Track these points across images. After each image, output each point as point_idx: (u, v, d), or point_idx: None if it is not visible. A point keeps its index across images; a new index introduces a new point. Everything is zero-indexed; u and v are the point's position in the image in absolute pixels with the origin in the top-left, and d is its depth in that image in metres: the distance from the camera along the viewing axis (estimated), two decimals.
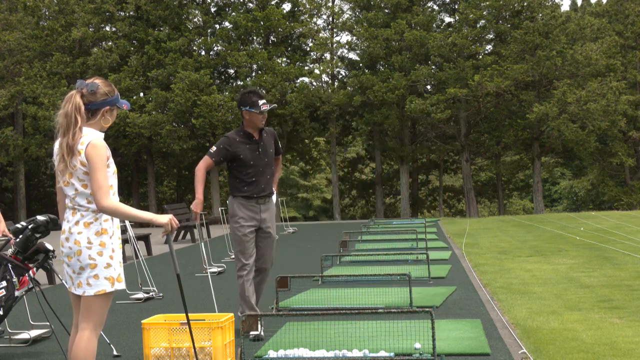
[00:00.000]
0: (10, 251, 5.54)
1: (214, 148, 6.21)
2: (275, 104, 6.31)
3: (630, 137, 34.35)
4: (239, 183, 6.21)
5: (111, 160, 3.77)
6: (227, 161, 6.22)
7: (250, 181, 6.19)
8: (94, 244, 3.73)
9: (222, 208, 14.05)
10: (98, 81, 3.82)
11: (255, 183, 6.20)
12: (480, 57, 32.97)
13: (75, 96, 3.75)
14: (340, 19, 35.70)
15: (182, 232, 18.38)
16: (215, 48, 34.02)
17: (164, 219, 3.83)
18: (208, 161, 6.18)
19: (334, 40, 35.67)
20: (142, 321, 5.10)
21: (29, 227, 5.33)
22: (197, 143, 31.87)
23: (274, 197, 6.42)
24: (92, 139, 3.70)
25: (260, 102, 6.13)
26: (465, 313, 6.94)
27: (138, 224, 23.94)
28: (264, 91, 6.44)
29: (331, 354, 5.23)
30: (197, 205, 6.03)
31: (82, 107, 3.74)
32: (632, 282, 8.69)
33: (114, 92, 3.86)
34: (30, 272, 5.59)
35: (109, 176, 3.71)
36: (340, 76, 36.47)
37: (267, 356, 5.30)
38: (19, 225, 5.44)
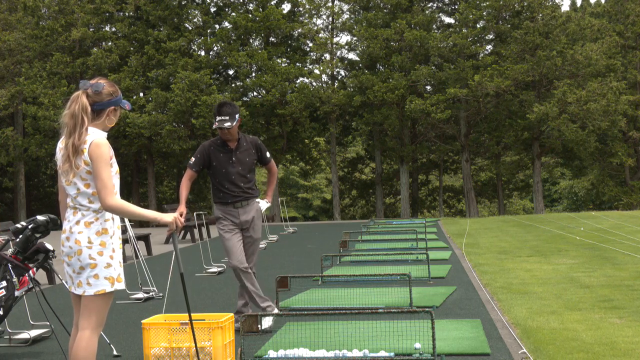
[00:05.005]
0: (10, 251, 5.54)
1: (192, 159, 6.43)
2: (230, 123, 6.19)
3: (630, 137, 34.34)
4: (215, 189, 6.45)
5: (114, 160, 3.79)
6: (205, 168, 6.44)
7: (223, 188, 6.38)
8: (95, 244, 3.73)
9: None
10: (102, 81, 3.84)
11: (228, 190, 6.37)
12: (481, 57, 32.97)
13: (82, 96, 3.77)
14: (340, 19, 35.71)
15: (182, 231, 18.39)
16: (215, 48, 34.03)
17: (169, 217, 3.85)
18: (189, 173, 6.44)
19: (334, 41, 35.69)
20: (142, 321, 5.10)
21: (29, 227, 5.34)
22: (197, 143, 31.87)
23: (262, 203, 6.56)
24: (95, 138, 3.71)
25: (218, 118, 6.23)
26: (465, 313, 6.94)
27: (139, 223, 23.99)
28: (234, 104, 6.39)
29: (331, 354, 5.23)
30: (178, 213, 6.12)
31: (89, 108, 3.76)
32: (632, 282, 8.69)
33: (117, 92, 3.88)
34: (30, 272, 5.59)
35: (112, 175, 3.72)
36: (340, 76, 36.48)
37: (267, 356, 5.30)
38: (19, 225, 5.44)
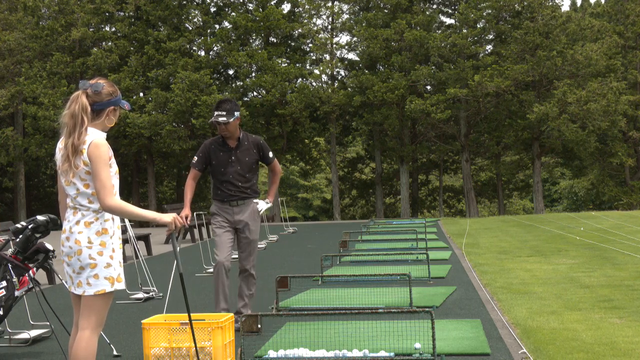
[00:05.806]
0: (10, 251, 5.54)
1: (195, 158, 6.48)
2: (225, 118, 6.24)
3: (630, 137, 34.34)
4: (213, 187, 6.50)
5: (113, 160, 3.79)
6: (207, 166, 6.48)
7: (221, 186, 6.41)
8: (95, 244, 3.73)
9: None
10: (102, 81, 3.85)
11: (225, 188, 6.39)
12: (481, 57, 32.97)
13: (81, 96, 3.77)
14: (340, 20, 35.70)
15: (182, 232, 18.39)
16: (215, 48, 34.04)
17: (168, 217, 3.85)
18: (193, 172, 6.48)
19: (334, 41, 35.69)
20: (142, 321, 5.10)
21: (29, 227, 5.33)
22: (197, 143, 31.87)
23: (262, 203, 6.55)
24: (94, 139, 3.71)
25: (216, 112, 6.29)
26: (465, 313, 6.94)
27: (138, 223, 23.99)
28: (234, 102, 6.41)
29: (331, 354, 5.23)
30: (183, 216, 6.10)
31: (89, 108, 3.76)
32: (632, 282, 8.69)
33: (117, 92, 3.89)
34: (30, 272, 5.59)
35: (111, 175, 3.72)
36: (340, 76, 36.49)
37: (267, 356, 5.30)
38: (19, 225, 5.44)
